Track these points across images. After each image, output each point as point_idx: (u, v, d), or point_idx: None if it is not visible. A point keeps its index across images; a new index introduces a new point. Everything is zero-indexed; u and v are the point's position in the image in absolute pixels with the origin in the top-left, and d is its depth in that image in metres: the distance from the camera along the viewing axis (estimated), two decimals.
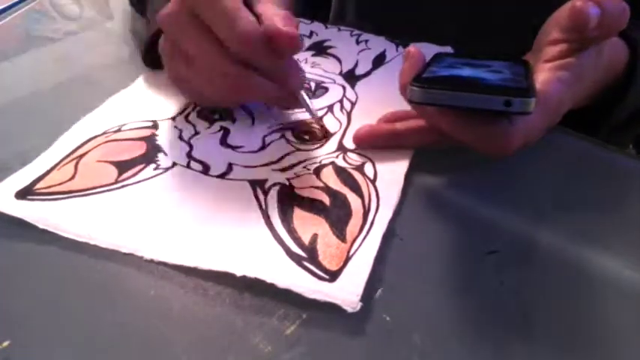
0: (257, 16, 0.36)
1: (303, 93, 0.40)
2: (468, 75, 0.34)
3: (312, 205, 0.34)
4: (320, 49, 0.53)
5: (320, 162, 0.38)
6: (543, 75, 0.36)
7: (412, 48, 0.37)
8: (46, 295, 0.28)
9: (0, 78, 0.46)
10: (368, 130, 0.40)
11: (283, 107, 0.42)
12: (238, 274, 0.29)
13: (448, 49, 0.53)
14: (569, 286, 0.32)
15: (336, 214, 0.33)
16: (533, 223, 0.36)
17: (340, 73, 0.49)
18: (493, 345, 0.28)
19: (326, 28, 0.58)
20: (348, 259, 0.30)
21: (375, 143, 0.40)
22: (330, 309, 0.28)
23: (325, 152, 0.39)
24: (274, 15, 0.36)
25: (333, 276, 0.29)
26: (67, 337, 0.26)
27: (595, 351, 0.29)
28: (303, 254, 0.30)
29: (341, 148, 0.40)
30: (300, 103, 0.41)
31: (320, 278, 0.29)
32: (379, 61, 0.52)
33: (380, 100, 0.45)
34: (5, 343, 0.26)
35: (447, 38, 0.51)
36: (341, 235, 0.32)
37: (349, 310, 0.27)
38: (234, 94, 0.38)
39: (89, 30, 0.55)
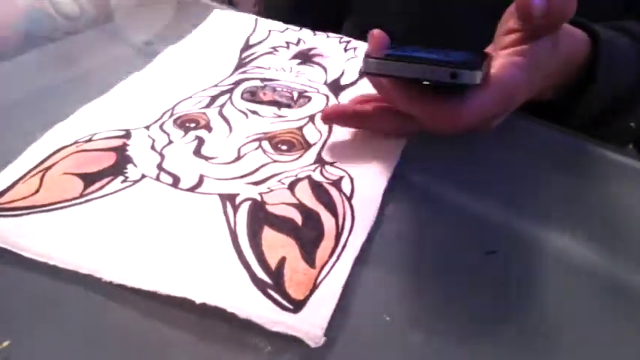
0: None
1: None
2: (421, 55, 0.34)
3: (283, 225, 0.32)
4: (306, 56, 0.52)
5: (296, 175, 0.37)
6: (499, 60, 0.36)
7: (376, 30, 0.38)
8: (46, 294, 0.28)
9: (0, 78, 0.46)
10: (335, 109, 0.41)
11: None
12: (198, 300, 0.27)
13: None
14: (569, 286, 0.32)
15: (307, 235, 0.32)
16: (534, 222, 0.36)
17: (325, 83, 0.48)
18: (493, 345, 0.28)
19: (314, 35, 0.56)
20: (315, 287, 0.29)
21: (342, 122, 0.41)
22: None
23: (302, 165, 0.38)
24: None
25: (297, 306, 0.28)
26: (67, 337, 0.26)
27: (595, 351, 0.28)
28: (268, 280, 0.29)
29: (319, 161, 0.38)
30: None
31: (284, 308, 0.27)
32: None
33: None
34: (5, 343, 0.25)
35: None
36: (310, 259, 0.30)
37: (312, 345, 0.26)
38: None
39: (89, 30, 0.55)
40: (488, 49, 0.41)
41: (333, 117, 0.40)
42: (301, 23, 0.58)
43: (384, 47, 0.37)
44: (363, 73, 0.34)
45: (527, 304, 0.30)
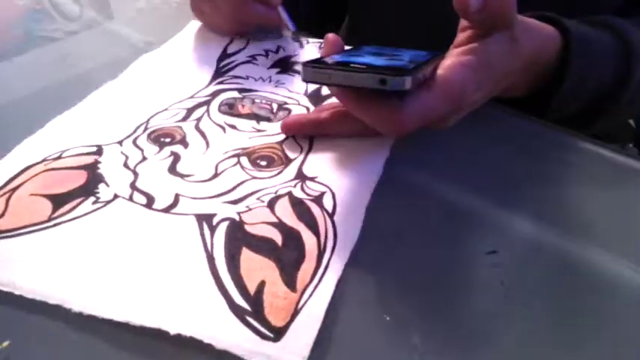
0: None
1: (281, 9, 0.51)
2: (361, 60, 0.34)
3: (262, 246, 0.31)
4: (286, 65, 0.51)
5: (276, 192, 0.35)
6: (448, 60, 0.36)
7: (331, 35, 0.37)
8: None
9: (0, 78, 0.46)
10: (294, 119, 0.41)
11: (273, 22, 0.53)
12: (172, 332, 0.26)
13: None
14: (570, 286, 0.32)
15: (288, 257, 0.31)
16: (534, 222, 0.35)
17: (305, 93, 0.47)
18: (493, 345, 0.28)
19: (294, 42, 0.55)
20: (296, 312, 0.28)
21: (302, 131, 0.41)
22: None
23: (282, 181, 0.37)
24: None
25: (277, 334, 0.26)
26: (67, 337, 0.26)
27: (595, 351, 0.28)
28: (247, 307, 0.28)
29: (300, 176, 0.37)
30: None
31: (263, 337, 0.26)
32: None
33: None
34: (5, 343, 0.25)
35: None
36: (291, 281, 0.29)
37: None
38: (236, 22, 0.52)
39: (89, 30, 0.55)
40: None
41: (291, 126, 0.41)
42: (300, 27, 0.57)
43: (336, 52, 0.37)
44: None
45: (527, 304, 0.30)
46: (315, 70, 0.33)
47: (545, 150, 0.42)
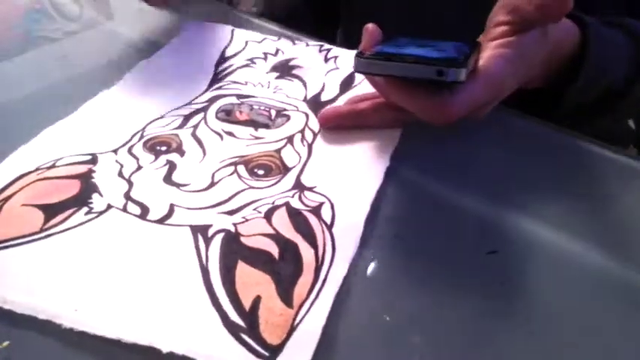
0: None
1: None
2: (410, 52, 0.35)
3: (258, 259, 0.30)
4: (284, 69, 0.50)
5: (273, 203, 0.35)
6: (487, 52, 0.38)
7: (370, 25, 0.38)
8: None
9: (0, 78, 0.46)
10: (333, 110, 0.42)
11: None
12: (165, 349, 0.25)
13: None
14: (570, 286, 0.32)
15: (285, 270, 0.30)
16: (534, 222, 0.36)
17: (304, 99, 0.46)
18: (493, 345, 0.28)
19: (294, 44, 0.54)
20: (292, 329, 0.27)
21: (341, 122, 0.42)
22: None
23: (280, 190, 0.36)
24: None
25: (273, 352, 0.26)
26: (67, 337, 0.26)
27: (595, 351, 0.28)
28: (241, 324, 0.27)
29: (298, 186, 0.36)
30: None
31: (258, 355, 0.25)
32: (347, 84, 0.48)
33: (345, 130, 0.41)
34: (5, 343, 0.25)
35: None
36: (287, 297, 0.28)
37: None
38: None
39: (89, 30, 0.55)
40: (480, 38, 0.41)
41: (331, 118, 0.42)
42: (299, 28, 0.57)
43: (376, 42, 0.38)
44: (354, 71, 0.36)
45: (527, 304, 0.30)
46: (369, 61, 0.34)
47: (545, 150, 0.42)
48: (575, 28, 0.44)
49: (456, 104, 0.35)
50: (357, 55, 0.34)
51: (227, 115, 0.43)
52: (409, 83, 0.35)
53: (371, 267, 0.32)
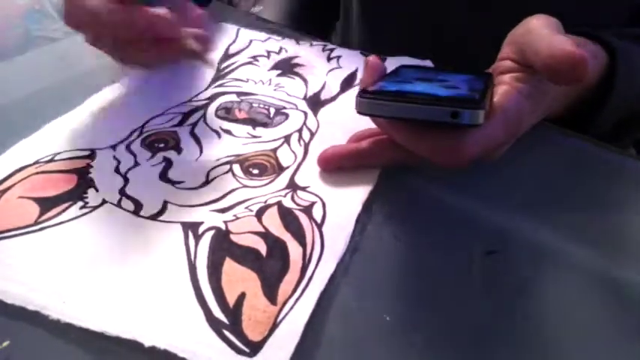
0: None
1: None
2: (417, 89, 0.33)
3: (246, 256, 0.31)
4: (287, 67, 0.50)
5: (265, 202, 0.35)
6: (503, 87, 0.35)
7: (372, 58, 0.36)
8: None
9: (0, 78, 0.46)
10: (333, 152, 0.38)
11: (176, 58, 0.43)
12: (147, 343, 0.26)
13: (427, 63, 0.50)
14: (570, 287, 0.32)
15: (271, 268, 0.30)
16: (534, 223, 0.36)
17: (304, 98, 0.46)
18: (493, 345, 0.28)
19: (297, 43, 0.54)
20: (274, 326, 0.27)
21: (341, 164, 0.38)
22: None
23: (273, 190, 0.36)
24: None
25: (254, 349, 0.26)
26: (67, 337, 0.26)
27: (596, 351, 0.28)
28: (224, 320, 0.27)
29: (292, 186, 0.37)
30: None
31: (239, 352, 0.26)
32: (348, 83, 0.49)
33: (342, 130, 0.42)
34: (5, 343, 0.25)
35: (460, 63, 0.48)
36: (271, 294, 0.29)
37: None
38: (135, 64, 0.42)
39: None
40: (491, 69, 0.39)
41: (331, 160, 0.38)
42: (300, 27, 0.57)
43: (379, 76, 0.36)
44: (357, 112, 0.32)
45: (527, 304, 0.30)
46: (374, 102, 0.31)
47: (545, 150, 0.42)
48: (603, 52, 0.42)
49: (470, 146, 0.32)
50: (360, 95, 0.31)
51: (227, 112, 0.43)
52: (417, 125, 0.32)
53: (371, 267, 0.32)
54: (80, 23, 0.39)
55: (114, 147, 0.38)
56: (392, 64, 0.50)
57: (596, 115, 0.43)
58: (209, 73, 0.49)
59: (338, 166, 0.38)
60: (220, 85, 0.47)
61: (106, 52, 0.42)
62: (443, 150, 0.32)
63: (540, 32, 0.33)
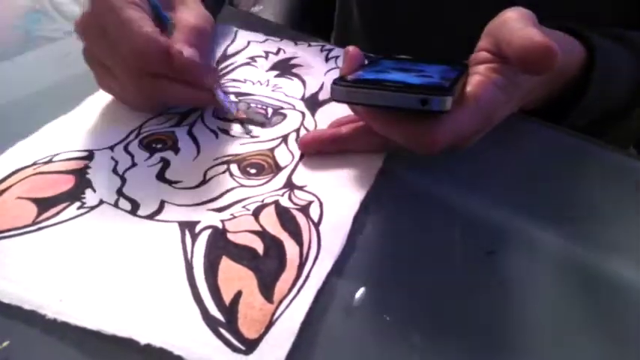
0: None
1: (219, 91, 0.42)
2: (392, 78, 0.33)
3: (243, 255, 0.31)
4: (285, 67, 0.50)
5: (262, 201, 0.35)
6: (477, 77, 0.35)
7: (351, 48, 0.37)
8: None
9: (0, 78, 0.46)
10: (313, 136, 0.40)
11: (202, 106, 0.43)
12: (142, 341, 0.26)
13: None
14: (569, 287, 0.32)
15: (268, 266, 0.30)
16: (533, 223, 0.36)
17: (302, 98, 0.46)
18: (493, 345, 0.28)
19: (295, 44, 0.54)
20: (270, 324, 0.27)
21: (321, 148, 0.39)
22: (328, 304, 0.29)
23: (270, 189, 0.36)
24: (186, 32, 0.40)
25: (250, 347, 0.26)
26: (67, 337, 0.26)
27: (596, 351, 0.28)
28: (220, 318, 0.27)
29: (289, 185, 0.37)
30: (217, 101, 0.42)
31: (235, 349, 0.26)
32: None
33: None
34: (5, 343, 0.26)
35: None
36: (268, 293, 0.29)
37: None
38: (150, 101, 0.41)
39: None
40: (469, 60, 0.39)
41: (311, 144, 0.39)
42: (299, 27, 0.57)
43: (357, 66, 0.36)
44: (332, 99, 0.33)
45: (527, 304, 0.30)
46: (348, 89, 0.32)
47: (545, 150, 0.42)
48: (581, 47, 0.42)
49: (440, 133, 0.32)
50: (335, 82, 0.32)
51: (224, 113, 0.43)
52: (391, 112, 0.33)
53: (370, 266, 0.32)
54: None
55: (112, 148, 0.38)
56: None
57: (569, 110, 0.44)
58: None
59: (318, 150, 0.39)
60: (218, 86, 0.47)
61: (119, 96, 0.42)
62: (415, 136, 0.33)
63: (514, 25, 0.34)
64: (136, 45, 0.37)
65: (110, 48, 0.38)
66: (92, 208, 0.33)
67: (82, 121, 0.41)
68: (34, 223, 0.32)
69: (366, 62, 0.38)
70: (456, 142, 0.34)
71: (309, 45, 0.55)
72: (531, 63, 0.32)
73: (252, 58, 0.51)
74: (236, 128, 0.42)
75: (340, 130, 0.39)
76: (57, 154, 0.37)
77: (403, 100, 0.30)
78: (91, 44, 0.40)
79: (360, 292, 0.30)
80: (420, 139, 0.33)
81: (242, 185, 0.36)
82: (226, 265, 0.30)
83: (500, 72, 0.35)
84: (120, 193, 0.35)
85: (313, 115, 0.44)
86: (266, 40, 0.55)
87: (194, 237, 0.32)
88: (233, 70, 0.50)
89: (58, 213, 0.33)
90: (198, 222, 0.33)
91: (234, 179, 0.37)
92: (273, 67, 0.50)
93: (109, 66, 0.39)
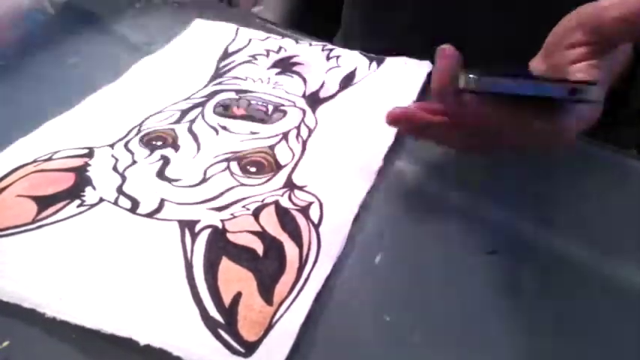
0: None
1: None
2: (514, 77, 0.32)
3: (242, 256, 0.31)
4: (285, 66, 0.50)
5: (262, 200, 0.35)
6: (581, 76, 0.34)
7: (447, 47, 0.34)
8: None
9: (0, 78, 0.46)
10: (403, 112, 0.37)
11: None
12: (142, 342, 0.26)
13: (426, 64, 0.50)
14: (569, 287, 0.32)
15: (267, 268, 0.30)
16: (534, 223, 0.36)
17: (303, 95, 0.46)
18: (493, 345, 0.28)
19: (296, 43, 0.54)
20: (270, 326, 0.27)
21: (407, 127, 0.38)
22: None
23: (270, 189, 0.36)
24: None
25: (249, 349, 0.26)
26: (67, 337, 0.26)
27: (595, 351, 0.29)
28: (220, 319, 0.27)
29: (289, 185, 0.37)
30: None
31: (234, 352, 0.26)
32: (347, 82, 0.48)
33: (340, 127, 0.42)
34: (5, 343, 0.26)
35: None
36: (268, 295, 0.29)
37: None
38: None
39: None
40: (533, 62, 0.38)
41: (400, 119, 0.37)
42: (300, 27, 0.57)
43: (456, 65, 0.34)
44: (467, 91, 0.32)
45: (527, 304, 0.31)
46: (488, 78, 0.30)
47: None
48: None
49: (574, 127, 0.32)
50: (469, 72, 0.31)
51: (225, 109, 0.43)
52: (518, 107, 0.32)
53: (370, 267, 0.32)
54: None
55: (112, 145, 0.38)
56: (392, 64, 0.50)
57: (630, 90, 0.44)
58: (207, 71, 0.49)
59: (404, 127, 0.38)
60: (219, 84, 0.47)
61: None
62: (554, 132, 0.32)
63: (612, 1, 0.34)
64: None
65: None
66: (92, 206, 0.33)
67: (82, 119, 0.41)
68: (34, 221, 0.32)
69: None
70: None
71: (310, 44, 0.54)
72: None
73: (253, 56, 0.51)
74: (236, 125, 0.41)
75: (434, 119, 0.37)
76: (57, 152, 0.37)
77: (551, 90, 0.30)
78: None
79: (357, 298, 0.30)
80: (558, 134, 0.33)
81: (242, 184, 0.36)
82: (226, 265, 0.30)
83: (599, 67, 0.35)
84: (120, 191, 0.34)
85: (314, 112, 0.44)
86: (267, 38, 0.54)
87: (194, 236, 0.32)
88: (234, 67, 0.49)
89: (57, 211, 0.33)
90: (198, 221, 0.33)
91: (234, 178, 0.37)
92: (274, 65, 0.50)
93: None
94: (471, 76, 0.31)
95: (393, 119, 0.37)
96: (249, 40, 0.54)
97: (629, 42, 0.36)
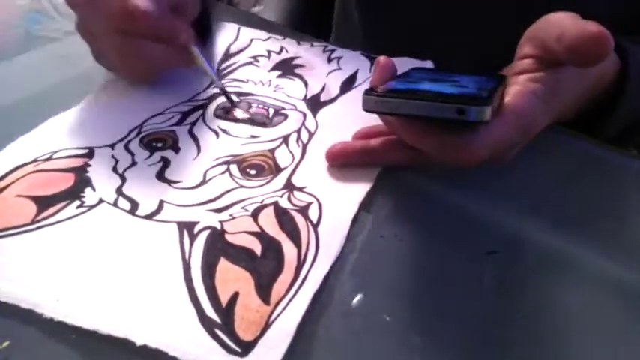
0: None
1: (195, 48, 0.42)
2: (426, 88, 0.32)
3: (241, 256, 0.31)
4: (287, 68, 0.50)
5: (261, 202, 0.35)
6: (515, 87, 0.34)
7: (383, 58, 0.35)
8: None
9: (0, 78, 0.46)
10: (341, 148, 0.38)
11: (181, 66, 0.44)
12: (139, 342, 0.26)
13: (428, 64, 0.50)
14: (569, 287, 0.32)
15: (265, 268, 0.30)
16: (534, 223, 0.36)
17: (304, 98, 0.46)
18: (493, 345, 0.28)
19: (298, 44, 0.54)
20: (267, 326, 0.27)
21: (349, 161, 0.38)
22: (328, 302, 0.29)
23: (270, 191, 0.36)
24: None
25: (245, 349, 0.26)
26: (67, 337, 0.26)
27: (596, 351, 0.29)
28: (216, 319, 0.27)
29: (288, 186, 0.37)
30: (195, 59, 0.42)
31: (230, 351, 0.26)
32: (348, 84, 0.49)
33: (341, 131, 0.42)
34: (5, 343, 0.26)
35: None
36: (265, 294, 0.29)
37: None
38: (135, 66, 0.41)
39: None
40: (505, 70, 0.38)
41: (338, 157, 0.38)
42: (300, 27, 0.57)
43: (389, 77, 0.35)
44: (365, 110, 0.32)
45: (527, 304, 0.31)
46: (380, 99, 0.31)
47: (544, 150, 0.41)
48: (615, 57, 0.42)
49: (478, 145, 0.31)
50: (367, 92, 0.31)
51: (226, 112, 0.44)
52: (425, 123, 0.32)
53: (370, 267, 0.32)
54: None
55: (112, 146, 0.38)
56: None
57: (606, 119, 0.43)
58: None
59: (345, 162, 0.38)
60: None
61: (111, 66, 0.43)
62: (451, 149, 0.32)
63: (562, 22, 0.33)
64: (111, 3, 0.37)
65: (94, 13, 0.38)
66: (91, 207, 0.33)
67: (82, 118, 0.41)
68: (33, 222, 0.32)
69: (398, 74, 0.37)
70: (493, 156, 0.33)
71: (312, 45, 0.54)
72: (586, 53, 0.31)
73: (255, 58, 0.51)
74: (237, 129, 0.42)
75: (370, 143, 0.38)
76: (57, 152, 0.37)
77: (438, 110, 0.29)
78: (80, 14, 0.40)
79: (357, 298, 0.30)
80: (456, 152, 0.32)
81: (241, 186, 0.36)
82: (224, 266, 0.30)
83: (540, 81, 0.34)
84: (119, 192, 0.35)
85: (315, 115, 0.44)
86: (269, 38, 0.55)
87: (192, 238, 0.32)
88: (235, 69, 0.50)
89: (57, 212, 0.33)
90: (196, 223, 0.33)
91: (233, 180, 0.37)
92: (275, 67, 0.50)
93: (95, 34, 0.40)
94: (367, 96, 0.31)
95: (332, 157, 0.38)
96: (251, 41, 0.54)
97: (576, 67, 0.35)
